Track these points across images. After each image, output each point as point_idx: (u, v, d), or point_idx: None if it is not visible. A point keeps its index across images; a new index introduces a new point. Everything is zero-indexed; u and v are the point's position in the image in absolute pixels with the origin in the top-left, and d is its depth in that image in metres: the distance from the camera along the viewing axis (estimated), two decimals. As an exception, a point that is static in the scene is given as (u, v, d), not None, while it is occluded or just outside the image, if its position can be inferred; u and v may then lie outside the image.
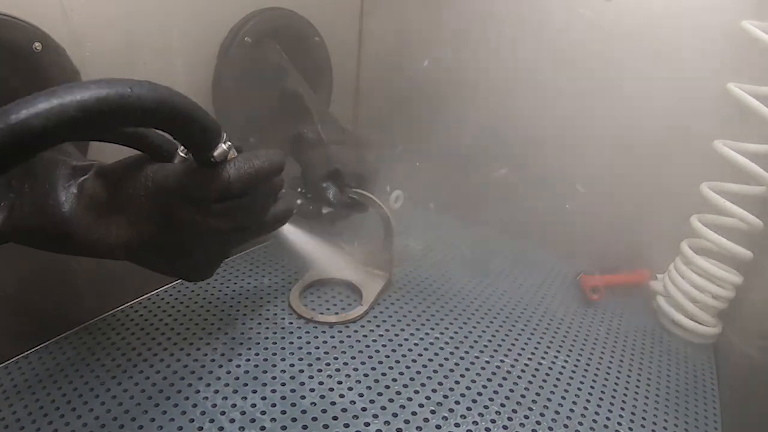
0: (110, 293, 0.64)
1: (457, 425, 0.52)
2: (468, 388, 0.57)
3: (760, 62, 0.65)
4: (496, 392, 0.57)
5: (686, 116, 0.73)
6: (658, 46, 0.73)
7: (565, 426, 0.53)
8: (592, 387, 0.59)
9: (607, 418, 0.55)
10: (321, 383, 0.55)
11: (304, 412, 0.51)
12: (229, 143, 0.37)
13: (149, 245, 0.40)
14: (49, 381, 0.53)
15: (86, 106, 0.26)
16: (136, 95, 0.28)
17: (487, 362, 0.61)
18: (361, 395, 0.54)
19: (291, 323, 0.65)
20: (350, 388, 0.55)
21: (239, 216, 0.41)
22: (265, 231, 0.48)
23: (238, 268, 0.76)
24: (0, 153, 0.24)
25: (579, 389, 0.59)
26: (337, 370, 0.57)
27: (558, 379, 0.60)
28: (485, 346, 0.64)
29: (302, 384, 0.55)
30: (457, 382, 0.57)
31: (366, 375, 0.57)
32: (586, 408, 0.56)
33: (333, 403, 0.53)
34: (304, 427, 0.49)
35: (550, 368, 0.61)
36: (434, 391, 0.56)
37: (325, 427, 0.50)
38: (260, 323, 0.64)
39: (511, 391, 0.57)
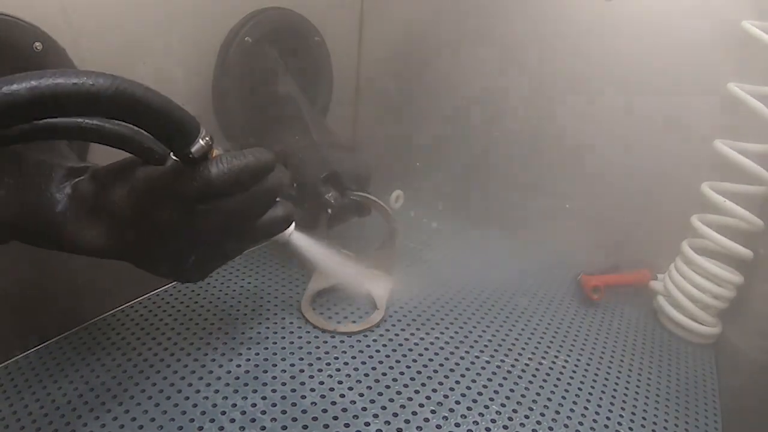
0: (110, 293, 0.64)
1: (457, 425, 0.52)
2: (468, 388, 0.57)
3: (760, 62, 0.65)
4: (496, 392, 0.56)
5: (686, 116, 0.73)
6: (658, 46, 0.73)
7: (565, 426, 0.53)
8: (592, 387, 0.59)
9: (607, 418, 0.55)
10: (321, 383, 0.55)
11: (304, 411, 0.51)
12: (207, 139, 0.36)
13: (135, 246, 0.40)
14: (49, 381, 0.53)
15: (37, 91, 0.26)
16: (90, 82, 0.27)
17: (487, 362, 0.61)
18: (361, 395, 0.54)
19: (291, 323, 0.65)
20: (350, 388, 0.55)
21: (226, 218, 0.40)
22: (260, 237, 0.47)
23: (238, 267, 0.76)
24: None
25: (579, 389, 0.59)
26: (338, 369, 0.57)
27: (558, 379, 0.60)
28: (485, 346, 0.64)
29: (302, 384, 0.55)
30: (457, 382, 0.57)
31: (366, 375, 0.57)
32: (586, 408, 0.56)
33: (333, 403, 0.53)
34: (305, 426, 0.49)
35: (550, 368, 0.61)
36: (434, 391, 0.56)
37: (326, 426, 0.50)
38: (260, 323, 0.64)
39: (511, 391, 0.57)
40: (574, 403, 0.57)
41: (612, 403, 0.57)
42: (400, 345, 0.62)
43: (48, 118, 0.34)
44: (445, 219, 0.97)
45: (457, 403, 0.54)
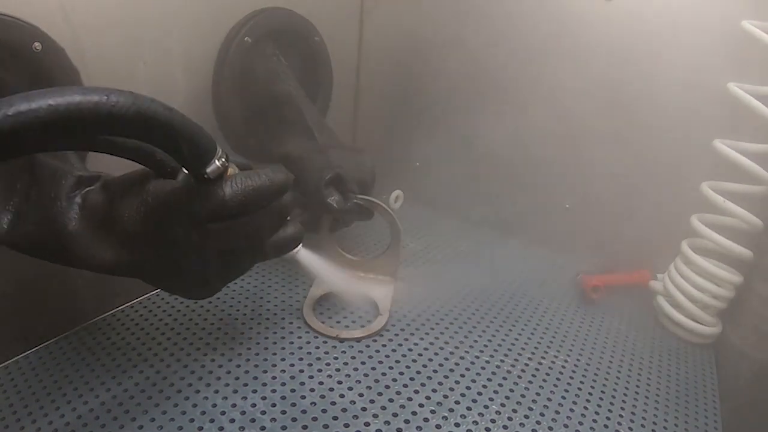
0: (110, 293, 0.64)
1: (457, 425, 0.52)
2: (468, 388, 0.57)
3: (760, 62, 0.65)
4: (496, 392, 0.57)
5: (686, 116, 0.73)
6: (657, 46, 0.73)
7: (565, 426, 0.53)
8: (592, 387, 0.59)
9: (607, 418, 0.55)
10: (321, 383, 0.55)
11: (304, 411, 0.51)
12: (224, 160, 0.35)
13: (145, 263, 0.39)
14: (49, 381, 0.53)
15: (58, 110, 0.25)
16: (112, 102, 0.27)
17: (487, 362, 0.61)
18: (360, 395, 0.54)
19: (291, 323, 0.65)
20: (350, 388, 0.55)
21: (238, 238, 0.39)
22: (270, 255, 0.46)
23: (238, 268, 0.75)
24: None
25: (579, 389, 0.59)
26: (337, 370, 0.57)
27: (558, 379, 0.60)
28: (485, 346, 0.64)
29: (302, 384, 0.55)
30: (457, 382, 0.57)
31: (366, 375, 0.57)
32: (586, 408, 0.56)
33: (333, 403, 0.53)
34: (304, 427, 0.49)
35: (550, 368, 0.61)
36: (434, 391, 0.56)
37: (325, 427, 0.50)
38: (260, 323, 0.64)
39: (511, 391, 0.57)
40: (574, 402, 0.57)
41: (612, 403, 0.57)
42: (400, 345, 0.62)
43: (63, 141, 0.34)
44: (445, 219, 0.97)
45: (457, 403, 0.54)
